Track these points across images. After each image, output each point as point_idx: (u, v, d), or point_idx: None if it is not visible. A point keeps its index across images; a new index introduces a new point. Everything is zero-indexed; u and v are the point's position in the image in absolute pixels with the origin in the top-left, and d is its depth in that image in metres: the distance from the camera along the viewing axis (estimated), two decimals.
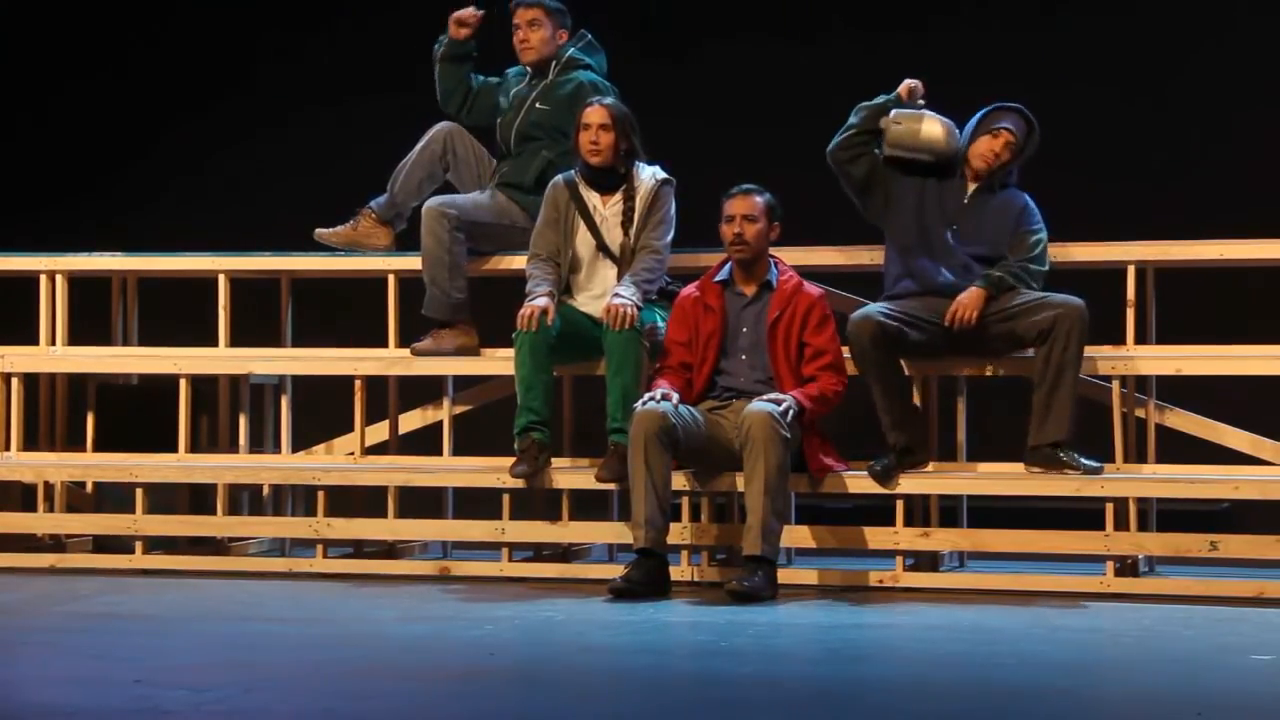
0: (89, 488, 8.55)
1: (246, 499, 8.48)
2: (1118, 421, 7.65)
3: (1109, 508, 7.31)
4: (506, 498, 7.74)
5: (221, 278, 8.43)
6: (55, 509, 8.35)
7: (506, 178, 8.14)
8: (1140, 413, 7.76)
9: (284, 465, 8.29)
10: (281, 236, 8.56)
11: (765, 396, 7.28)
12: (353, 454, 8.29)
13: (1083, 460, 7.33)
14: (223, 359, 8.41)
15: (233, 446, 8.53)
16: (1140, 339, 7.80)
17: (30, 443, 8.47)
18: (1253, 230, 7.80)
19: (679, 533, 7.49)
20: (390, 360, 8.19)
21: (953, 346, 7.51)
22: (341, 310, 9.18)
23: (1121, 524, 7.35)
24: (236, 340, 8.44)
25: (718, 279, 7.57)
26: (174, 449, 8.26)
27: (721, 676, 5.73)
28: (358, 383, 8.19)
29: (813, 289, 7.56)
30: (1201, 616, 6.82)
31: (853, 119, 7.68)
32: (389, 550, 8.11)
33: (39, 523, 8.34)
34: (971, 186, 7.60)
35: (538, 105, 8.10)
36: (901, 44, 9.33)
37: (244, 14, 10.20)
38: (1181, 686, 5.58)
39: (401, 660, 5.97)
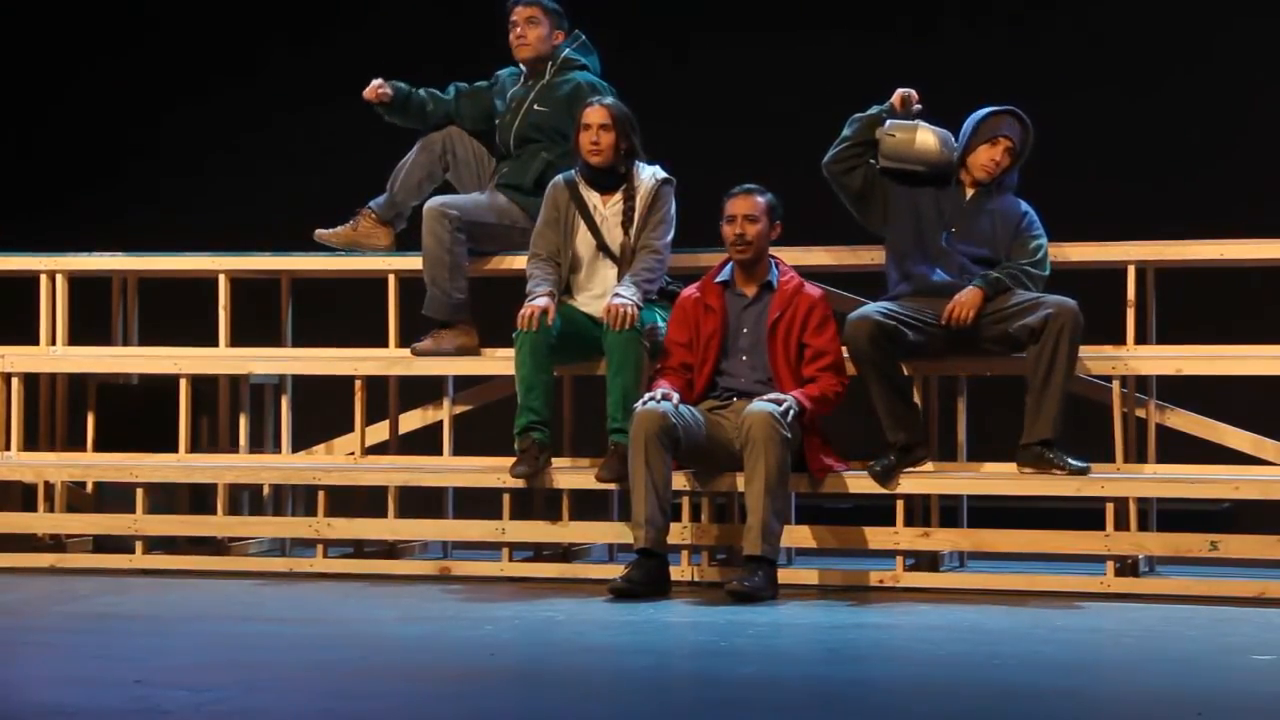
0: (89, 488, 8.55)
1: (247, 499, 8.47)
2: (1118, 421, 7.65)
3: (1109, 508, 7.31)
4: (506, 498, 7.74)
5: (221, 278, 8.43)
6: (55, 509, 8.35)
7: (506, 179, 8.13)
8: (1140, 413, 7.76)
9: (284, 465, 8.29)
10: (281, 236, 8.56)
11: (766, 396, 7.28)
12: (353, 454, 8.29)
13: (1070, 460, 7.33)
14: (223, 359, 8.41)
15: (233, 446, 8.53)
16: (1140, 339, 7.79)
17: (30, 443, 8.47)
18: (1253, 230, 7.80)
19: (679, 533, 7.49)
20: (390, 360, 8.19)
21: (950, 347, 7.52)
22: (341, 310, 9.18)
23: (1122, 524, 7.35)
24: (236, 340, 8.43)
25: (718, 280, 7.57)
26: (174, 449, 8.26)
27: (721, 676, 5.73)
28: (358, 383, 8.19)
29: (813, 290, 7.55)
30: (1202, 617, 6.82)
31: (846, 131, 7.67)
32: (389, 550, 8.11)
33: (39, 523, 8.34)
34: (970, 192, 7.60)
35: (536, 107, 8.09)
36: (902, 43, 9.34)
37: (244, 13, 10.20)
38: (1182, 686, 5.58)
39: (401, 660, 5.97)
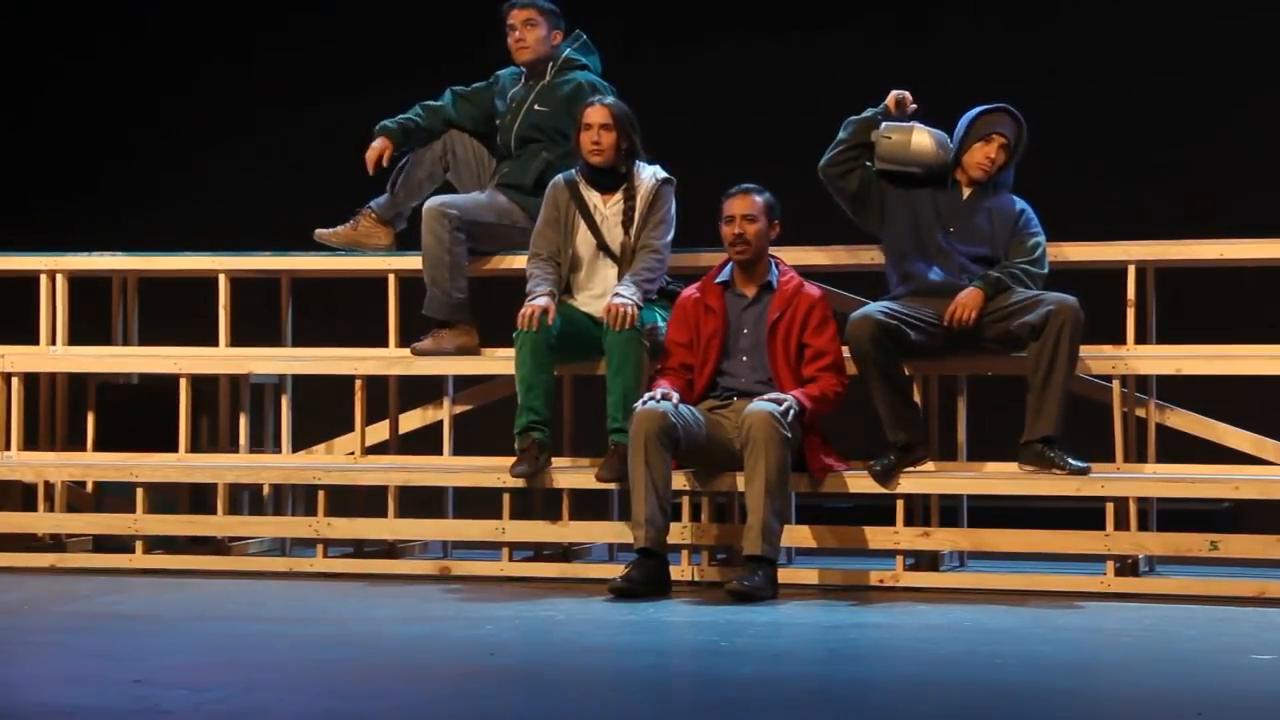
0: (89, 487, 8.55)
1: (247, 499, 8.48)
2: (1118, 421, 7.65)
3: (1109, 507, 7.31)
4: (506, 497, 7.74)
5: (221, 278, 8.43)
6: (55, 509, 8.35)
7: (506, 179, 8.13)
8: (1140, 412, 7.76)
9: (284, 465, 8.29)
10: (281, 236, 8.56)
11: (766, 396, 7.28)
12: (353, 454, 8.29)
13: (1070, 460, 7.33)
14: (223, 359, 8.41)
15: (233, 446, 8.53)
16: (1140, 339, 7.79)
17: (30, 442, 8.47)
18: (1252, 230, 7.80)
19: (679, 532, 7.49)
20: (390, 360, 8.19)
21: (951, 346, 7.52)
22: (341, 310, 9.18)
23: (1122, 524, 7.35)
24: (236, 340, 8.43)
25: (718, 280, 7.57)
26: (174, 449, 8.26)
27: (721, 676, 5.72)
28: (358, 383, 8.19)
29: (813, 289, 7.55)
30: (1202, 616, 6.82)
31: (842, 134, 7.66)
32: (389, 550, 8.11)
33: (39, 522, 8.34)
34: (967, 191, 7.60)
35: (536, 107, 8.09)
36: (901, 42, 9.34)
37: (244, 12, 10.20)
38: (1182, 686, 5.58)
39: (401, 660, 5.97)
